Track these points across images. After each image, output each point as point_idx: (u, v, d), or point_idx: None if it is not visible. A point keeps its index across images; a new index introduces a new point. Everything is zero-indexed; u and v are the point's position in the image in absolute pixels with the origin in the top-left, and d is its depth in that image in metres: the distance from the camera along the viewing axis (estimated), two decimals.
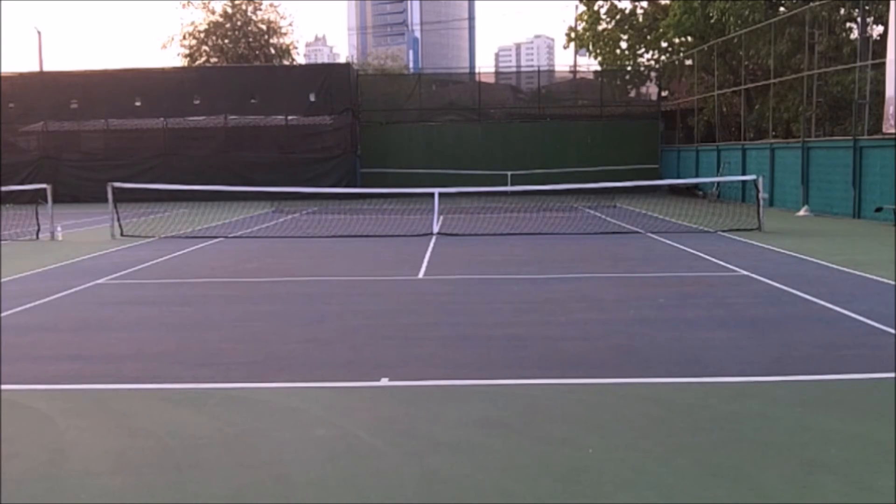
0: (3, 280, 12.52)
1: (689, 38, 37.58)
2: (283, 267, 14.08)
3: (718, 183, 30.25)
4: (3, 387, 6.67)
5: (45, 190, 20.52)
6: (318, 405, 6.19)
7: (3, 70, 41.89)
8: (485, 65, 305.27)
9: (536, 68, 60.38)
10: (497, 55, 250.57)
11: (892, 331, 8.22)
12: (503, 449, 5.15)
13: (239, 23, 50.72)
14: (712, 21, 33.29)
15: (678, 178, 34.23)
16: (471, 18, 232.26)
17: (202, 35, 51.06)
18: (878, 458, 4.92)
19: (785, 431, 5.43)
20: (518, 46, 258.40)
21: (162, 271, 13.66)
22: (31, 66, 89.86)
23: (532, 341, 8.17)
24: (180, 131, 37.28)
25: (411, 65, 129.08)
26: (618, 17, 41.49)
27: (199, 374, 7.11)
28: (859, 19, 25.85)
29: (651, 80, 41.94)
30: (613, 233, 18.91)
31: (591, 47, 42.48)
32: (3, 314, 9.79)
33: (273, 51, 51.59)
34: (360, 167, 37.44)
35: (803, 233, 18.81)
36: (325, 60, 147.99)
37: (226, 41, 50.59)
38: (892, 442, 5.13)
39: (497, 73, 65.08)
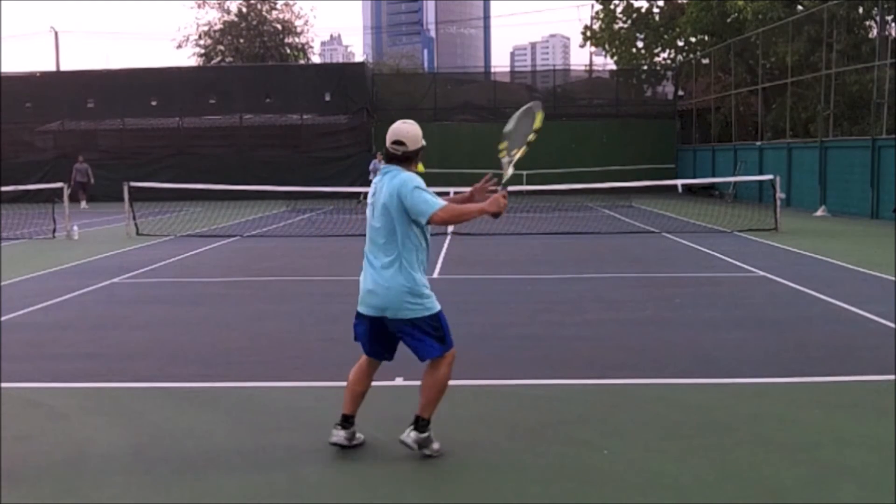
0: (19, 279, 12.59)
1: (706, 37, 37.42)
2: (298, 266, 14.09)
3: (735, 183, 30.08)
4: (20, 385, 6.70)
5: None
6: (332, 404, 6.17)
7: (20, 70, 42.15)
8: (500, 64, 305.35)
9: (552, 67, 60.26)
10: (512, 54, 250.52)
11: None
12: (517, 449, 5.13)
13: (254, 22, 50.80)
14: (729, 20, 33.13)
15: (694, 177, 34.06)
16: (486, 18, 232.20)
17: (217, 34, 51.18)
18: None
19: (802, 433, 5.38)
20: (534, 46, 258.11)
21: (177, 270, 13.70)
22: (47, 66, 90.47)
23: (547, 341, 8.14)
24: (196, 130, 37.44)
25: (426, 64, 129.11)
26: (634, 16, 41.36)
27: (214, 373, 7.12)
28: (878, 18, 25.67)
29: (667, 80, 41.78)
30: (629, 232, 18.84)
31: (607, 46, 42.36)
32: (19, 312, 9.84)
33: (288, 50, 51.66)
34: None
35: (820, 233, 18.68)
36: (341, 60, 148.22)
37: (241, 41, 50.69)
38: None
39: (512, 73, 65.03)
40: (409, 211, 4.80)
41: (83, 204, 31.12)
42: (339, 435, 5.14)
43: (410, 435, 4.93)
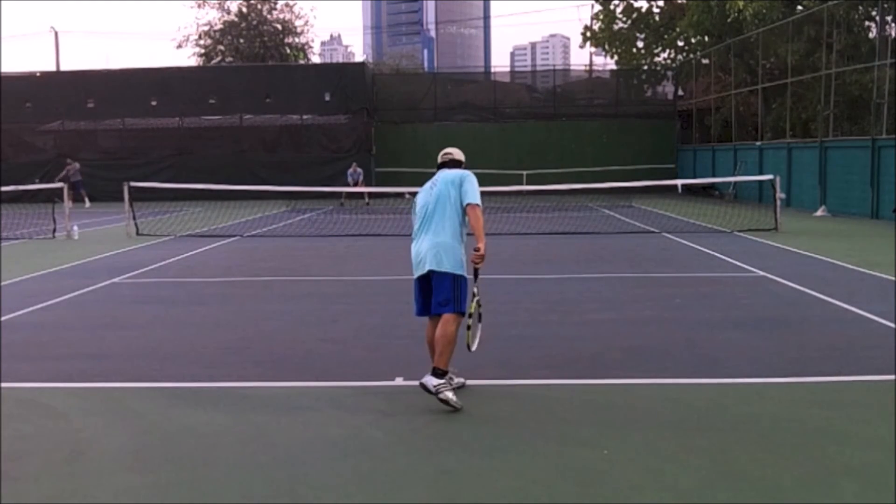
0: (19, 279, 12.59)
1: (706, 37, 37.41)
2: (298, 266, 14.09)
3: (735, 183, 30.08)
4: (20, 385, 6.70)
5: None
6: (332, 404, 6.17)
7: (20, 70, 42.20)
8: (500, 64, 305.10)
9: (552, 68, 60.24)
10: (513, 54, 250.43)
11: None
12: (517, 449, 5.13)
13: (254, 22, 50.80)
14: (729, 20, 33.14)
15: (694, 177, 34.05)
16: (486, 18, 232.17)
17: (217, 34, 51.17)
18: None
19: (802, 433, 5.38)
20: (534, 46, 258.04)
21: (177, 270, 13.70)
22: (47, 66, 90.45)
23: (547, 341, 8.14)
24: (196, 130, 37.44)
25: (426, 64, 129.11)
26: (634, 16, 41.36)
27: (214, 373, 7.12)
28: (878, 18, 25.67)
29: (667, 80, 41.77)
30: (629, 232, 18.84)
31: (607, 46, 42.35)
32: (19, 312, 9.84)
33: (288, 50, 51.66)
34: (375, 166, 37.45)
35: (820, 233, 18.68)
36: (341, 60, 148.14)
37: (241, 41, 50.69)
38: None
39: (512, 73, 65.07)
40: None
41: (86, 203, 31.16)
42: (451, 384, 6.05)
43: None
